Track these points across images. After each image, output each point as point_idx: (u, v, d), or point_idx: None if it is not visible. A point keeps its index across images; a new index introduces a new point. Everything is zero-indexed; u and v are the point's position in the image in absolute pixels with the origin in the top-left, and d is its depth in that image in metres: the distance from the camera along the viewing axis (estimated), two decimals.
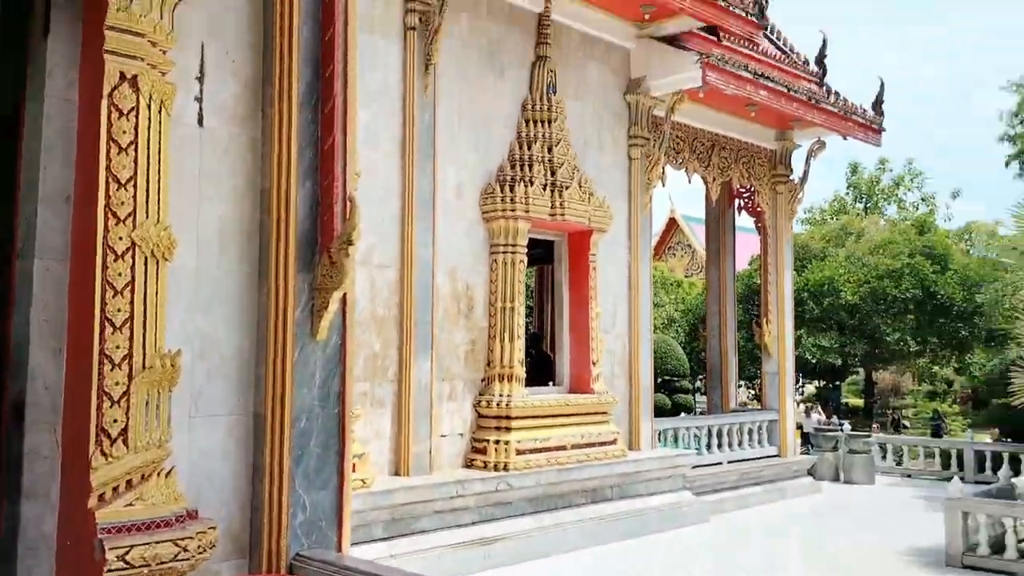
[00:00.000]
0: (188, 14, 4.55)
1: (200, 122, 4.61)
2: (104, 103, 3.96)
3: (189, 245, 4.46)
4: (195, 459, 4.33)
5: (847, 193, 40.61)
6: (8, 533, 4.02)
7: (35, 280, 4.13)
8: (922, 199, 39.83)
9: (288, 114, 4.65)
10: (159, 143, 4.12)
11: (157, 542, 3.64)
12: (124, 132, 3.99)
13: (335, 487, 4.57)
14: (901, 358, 27.82)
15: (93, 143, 4.01)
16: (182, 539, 3.70)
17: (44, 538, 4.00)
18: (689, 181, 14.64)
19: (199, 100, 4.60)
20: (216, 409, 4.46)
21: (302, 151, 4.67)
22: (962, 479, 15.80)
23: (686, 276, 34.51)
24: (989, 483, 13.34)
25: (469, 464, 10.05)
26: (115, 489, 3.75)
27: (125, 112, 4.01)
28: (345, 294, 4.63)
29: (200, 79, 4.62)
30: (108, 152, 3.96)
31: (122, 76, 4.03)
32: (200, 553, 3.77)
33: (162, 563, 3.62)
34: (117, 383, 3.81)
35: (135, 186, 3.98)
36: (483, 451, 10.01)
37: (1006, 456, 15.79)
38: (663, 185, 13.51)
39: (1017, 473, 14.10)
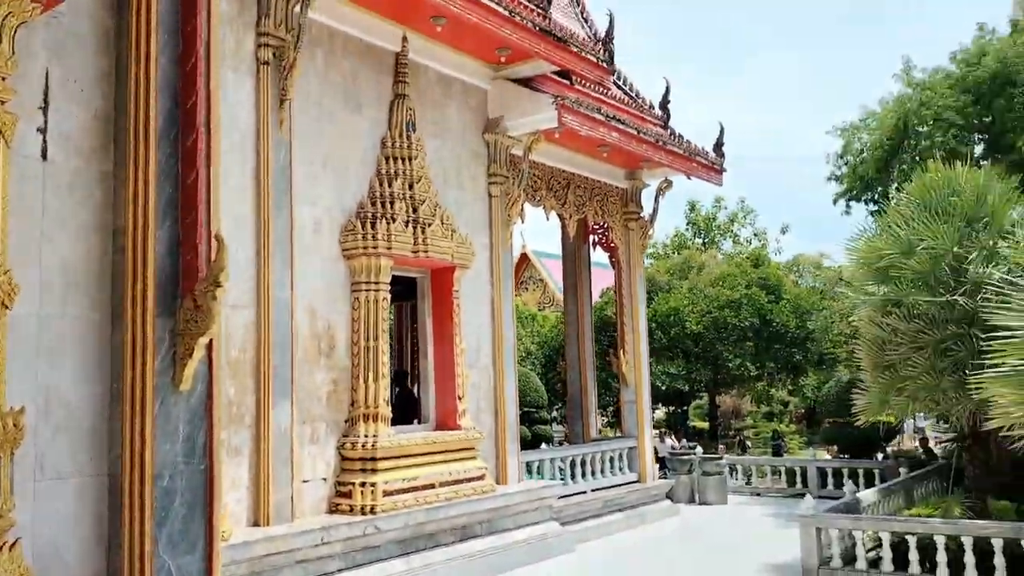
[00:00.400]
0: (31, 38, 4.18)
1: (44, 155, 4.23)
2: None
3: (31, 290, 4.04)
4: (41, 528, 3.89)
5: (687, 229, 42.78)
6: None
7: None
8: (754, 234, 42.49)
9: (145, 147, 4.34)
10: None
11: None
12: None
13: (203, 549, 4.22)
14: (742, 382, 29.33)
15: None
16: None
17: None
18: (547, 218, 14.92)
19: (42, 131, 4.22)
20: (64, 471, 4.04)
21: (161, 186, 4.37)
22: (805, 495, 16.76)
23: (539, 309, 35.08)
24: (832, 498, 14.17)
25: (334, 509, 9.66)
26: None
27: None
28: (211, 340, 4.32)
29: (44, 108, 4.24)
30: None
31: None
32: None
33: None
34: None
35: None
36: (348, 495, 9.67)
37: (846, 472, 16.90)
38: (522, 222, 13.70)
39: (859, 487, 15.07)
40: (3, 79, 3.84)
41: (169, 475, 4.18)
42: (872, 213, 18.89)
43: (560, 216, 15.09)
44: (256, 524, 8.69)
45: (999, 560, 8.80)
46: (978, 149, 17.35)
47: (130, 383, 4.16)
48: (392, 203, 10.65)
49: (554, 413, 27.28)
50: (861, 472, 16.65)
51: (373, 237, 10.28)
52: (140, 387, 4.15)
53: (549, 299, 37.84)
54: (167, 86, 4.48)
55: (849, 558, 9.89)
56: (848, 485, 12.21)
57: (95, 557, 4.15)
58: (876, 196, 18.80)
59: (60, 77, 4.32)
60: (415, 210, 10.86)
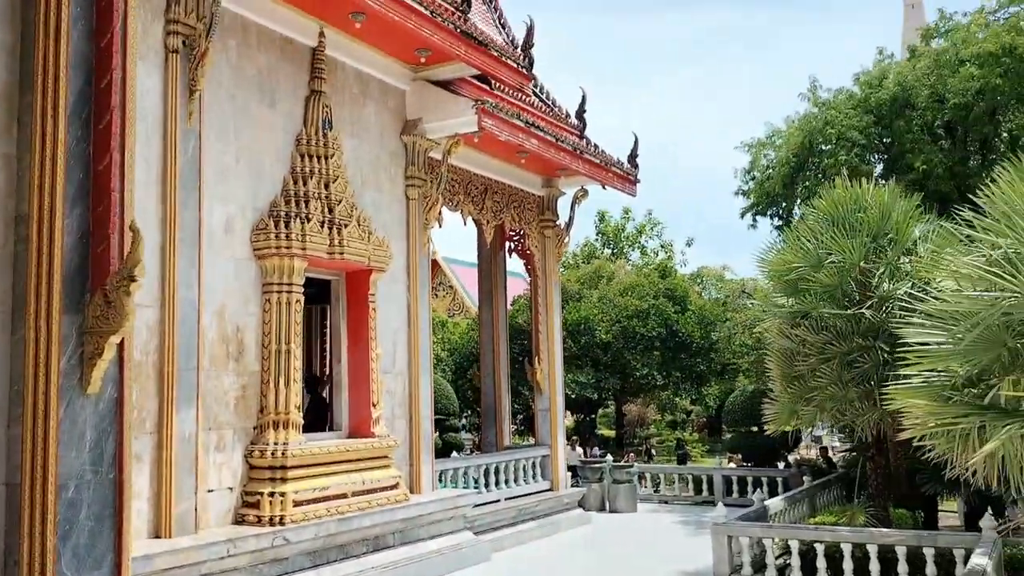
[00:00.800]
0: None
1: None
2: None
3: None
4: None
5: (596, 239, 43.33)
6: None
7: None
8: (661, 246, 43.36)
9: (53, 128, 3.97)
10: None
11: None
12: None
13: (112, 565, 3.88)
14: (648, 391, 29.84)
15: None
16: None
17: None
18: (464, 223, 14.80)
19: None
20: None
21: (70, 171, 4.00)
22: (712, 503, 17.06)
23: (449, 316, 34.87)
24: (738, 505, 14.47)
25: (241, 520, 9.23)
26: None
27: None
28: (123, 340, 3.99)
29: None
30: None
31: None
32: None
33: None
34: None
35: None
36: (256, 505, 9.25)
37: (750, 480, 17.29)
38: (440, 226, 13.52)
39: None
40: None
41: (75, 485, 3.82)
42: (777, 228, 19.48)
43: (477, 222, 14.98)
44: (157, 536, 8.18)
45: (903, 567, 9.10)
46: (878, 168, 18.12)
47: (32, 385, 3.78)
48: (307, 202, 10.31)
49: (463, 421, 27.13)
50: (765, 480, 17.07)
51: (287, 237, 9.92)
52: (43, 389, 3.77)
53: (459, 306, 37.67)
54: (80, 63, 4.12)
55: (759, 566, 10.06)
56: (757, 493, 12.47)
57: None
58: (781, 211, 19.40)
59: None
60: (331, 210, 10.54)
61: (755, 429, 21.67)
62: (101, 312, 3.89)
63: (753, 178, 19.66)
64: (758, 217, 19.70)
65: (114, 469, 4.03)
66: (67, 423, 3.85)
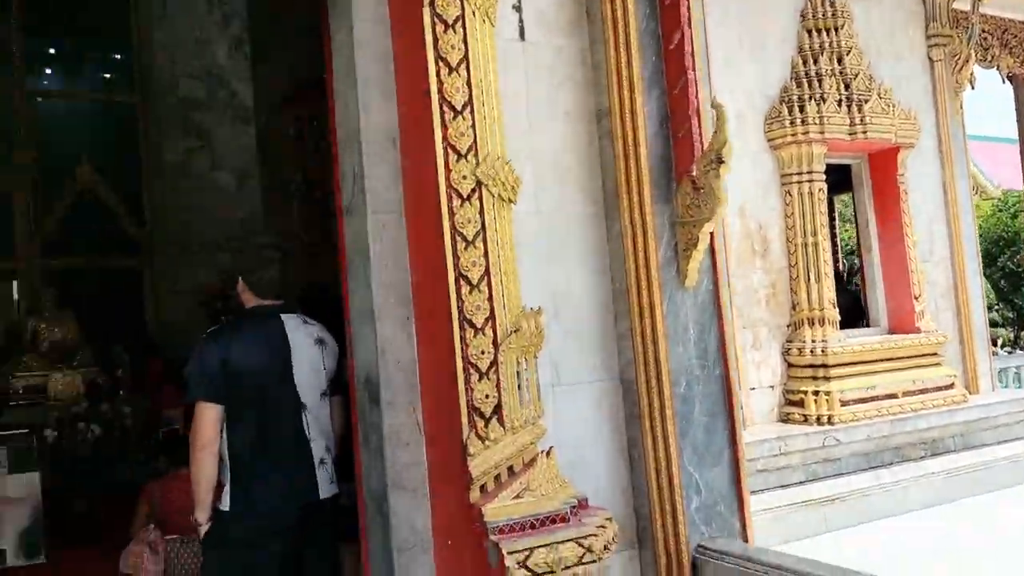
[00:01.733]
0: None
1: (521, 35, 3.88)
2: (426, 13, 3.27)
3: (525, 183, 3.73)
4: (563, 437, 3.64)
5: None
6: (379, 531, 3.54)
7: (370, 239, 3.58)
8: None
9: (623, 10, 3.80)
10: (488, 60, 3.41)
11: (559, 542, 2.97)
12: (452, 48, 3.29)
13: (729, 462, 3.77)
14: None
15: (416, 66, 3.36)
16: (584, 537, 3.01)
17: (418, 538, 3.48)
18: (1003, 80, 12.38)
19: (517, 9, 3.87)
20: (579, 376, 3.77)
21: (644, 55, 3.82)
22: None
23: None
24: None
25: (785, 418, 8.91)
26: (496, 479, 3.12)
27: (450, 23, 3.30)
28: (712, 230, 3.76)
29: None
30: (438, 74, 3.28)
31: None
32: (604, 551, 3.07)
33: (566, 567, 2.95)
34: (483, 351, 3.16)
35: (472, 113, 3.29)
36: (800, 403, 8.85)
37: None
38: (972, 87, 11.46)
39: None
40: None
41: (685, 381, 3.76)
42: None
43: (1015, 78, 12.45)
44: None
45: None
46: None
47: (635, 281, 3.76)
48: (820, 81, 9.31)
49: (992, 314, 23.80)
50: None
51: (803, 122, 9.08)
52: (646, 284, 3.72)
53: (973, 187, 33.00)
54: None
55: None
56: None
57: (619, 468, 3.87)
58: None
59: None
60: (847, 86, 9.41)
61: None
62: (691, 200, 3.70)
63: None
64: None
65: (719, 364, 3.90)
66: (671, 318, 3.78)
